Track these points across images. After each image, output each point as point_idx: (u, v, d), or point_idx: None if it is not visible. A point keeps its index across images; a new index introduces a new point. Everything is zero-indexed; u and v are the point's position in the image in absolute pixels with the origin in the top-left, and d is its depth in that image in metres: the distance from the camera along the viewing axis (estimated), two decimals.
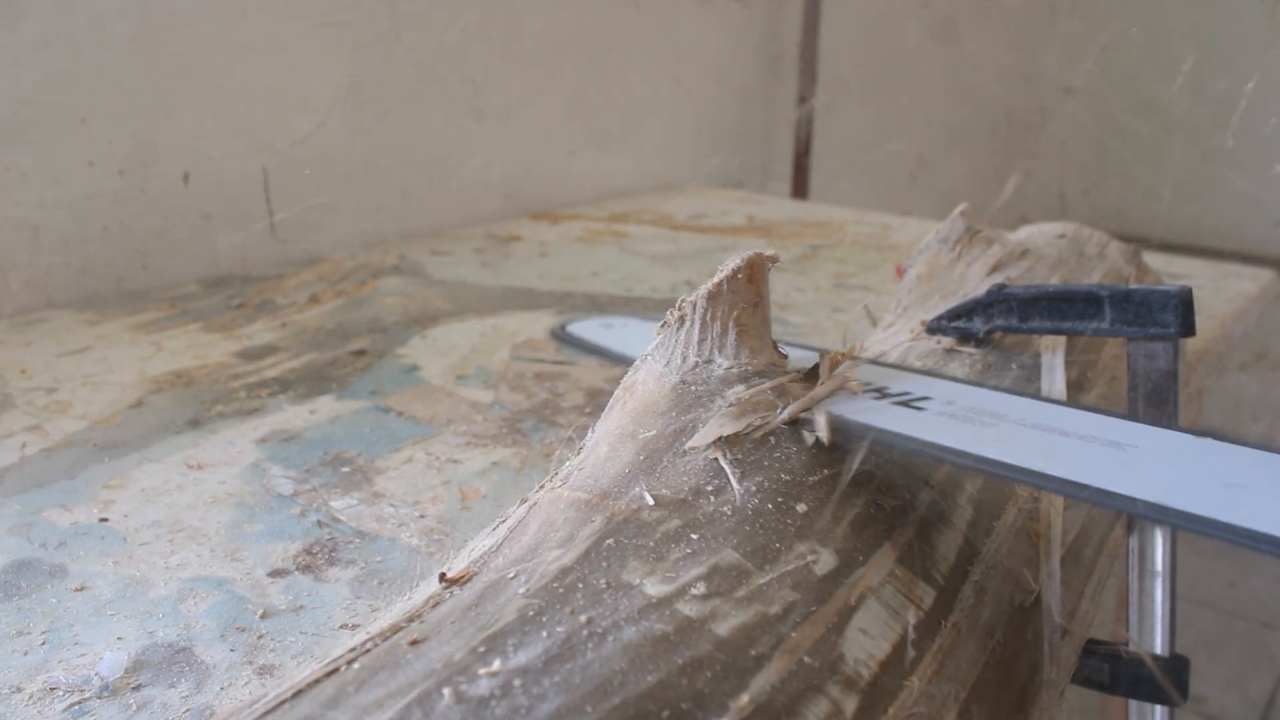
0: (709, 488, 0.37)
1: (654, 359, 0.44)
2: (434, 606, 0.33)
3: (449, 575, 0.34)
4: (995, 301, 0.55)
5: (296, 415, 0.72)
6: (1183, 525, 0.34)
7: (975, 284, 0.65)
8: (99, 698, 0.42)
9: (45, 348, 0.86)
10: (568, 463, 0.41)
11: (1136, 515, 0.40)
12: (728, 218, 1.48)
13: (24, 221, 0.97)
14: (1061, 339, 0.57)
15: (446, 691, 0.27)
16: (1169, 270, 1.12)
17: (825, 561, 0.35)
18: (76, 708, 0.42)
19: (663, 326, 0.45)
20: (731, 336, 0.44)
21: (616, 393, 0.44)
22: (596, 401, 0.75)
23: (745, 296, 0.44)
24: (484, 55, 1.37)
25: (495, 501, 0.60)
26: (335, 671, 0.29)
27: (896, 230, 1.41)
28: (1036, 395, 0.50)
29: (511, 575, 0.33)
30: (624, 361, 0.62)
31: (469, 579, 0.34)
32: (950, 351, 0.57)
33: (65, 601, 0.49)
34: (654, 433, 0.40)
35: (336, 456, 0.66)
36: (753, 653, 0.30)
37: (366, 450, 0.67)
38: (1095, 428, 0.41)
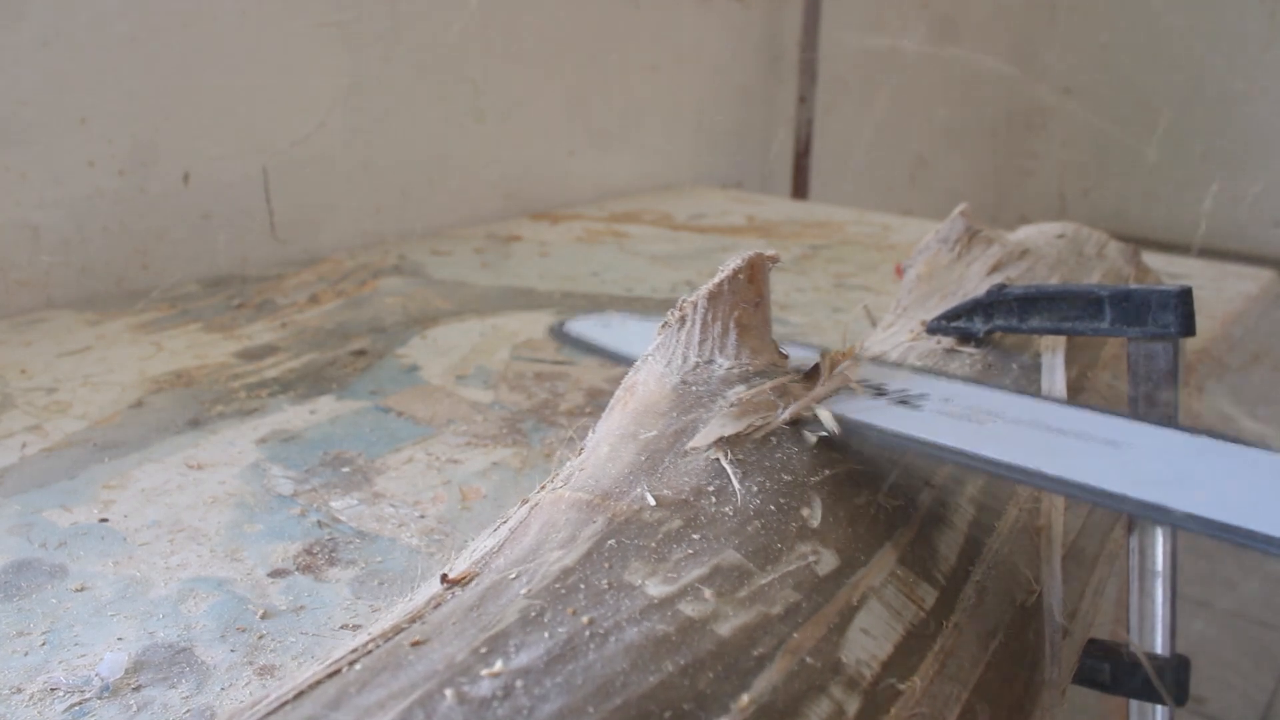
0: (710, 488, 0.37)
1: (655, 359, 0.44)
2: (435, 607, 0.33)
3: (450, 576, 0.34)
4: (995, 301, 0.55)
5: (296, 415, 0.72)
6: (1175, 524, 0.34)
7: (975, 284, 0.65)
8: (99, 698, 0.42)
9: (45, 348, 0.86)
10: (569, 463, 0.41)
11: (1129, 514, 0.40)
12: (728, 218, 1.48)
13: (24, 221, 0.97)
14: (1061, 339, 0.57)
15: (448, 692, 0.27)
16: (1169, 270, 1.12)
17: (827, 562, 0.35)
18: (77, 708, 0.42)
19: (663, 327, 0.45)
20: (732, 337, 0.44)
21: (617, 393, 0.44)
22: (597, 402, 0.75)
23: (746, 296, 0.44)
24: (484, 55, 1.37)
25: (495, 502, 0.60)
26: (337, 672, 0.29)
27: (896, 230, 1.41)
28: (1035, 394, 0.50)
29: (513, 576, 0.33)
30: (622, 360, 0.62)
31: (470, 580, 0.34)
32: (950, 351, 0.57)
33: (65, 602, 0.49)
34: (655, 433, 0.40)
35: (336, 456, 0.66)
36: (755, 653, 0.30)
37: (366, 450, 0.67)
38: (1092, 426, 0.41)
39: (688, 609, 0.31)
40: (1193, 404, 0.98)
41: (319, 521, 0.57)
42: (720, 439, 0.39)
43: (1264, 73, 2.29)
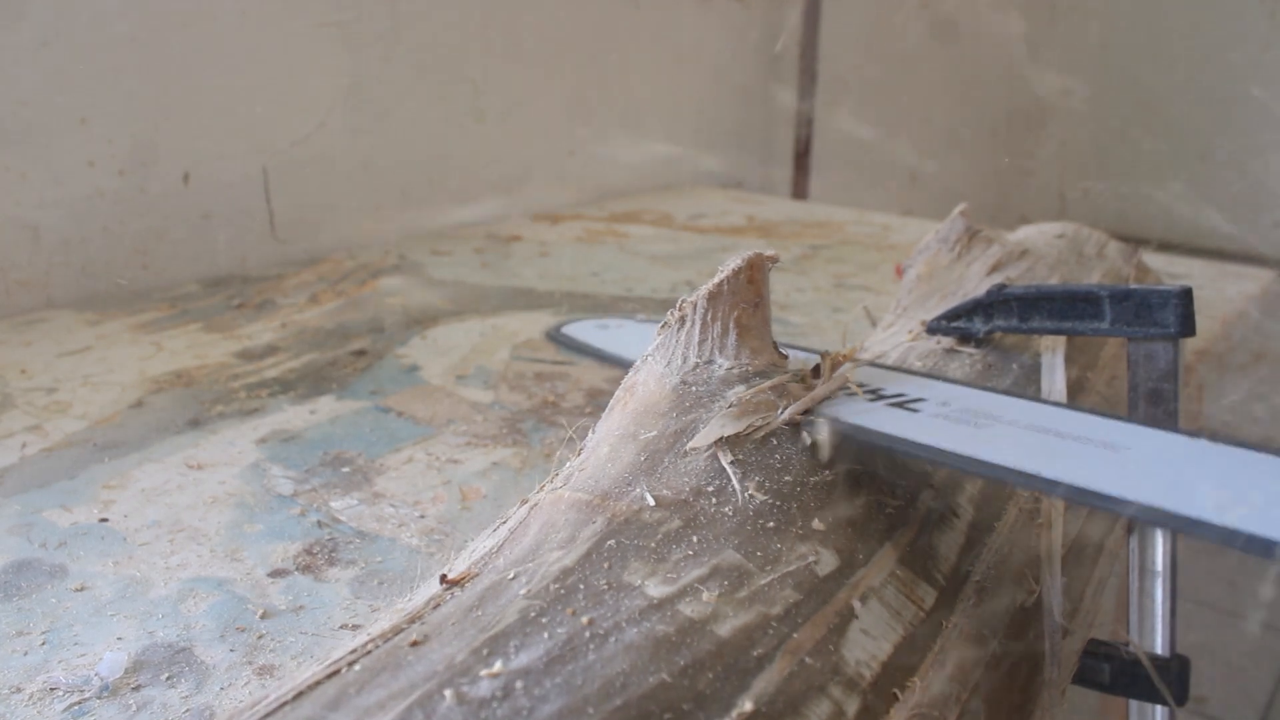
0: (710, 488, 0.37)
1: (655, 359, 0.44)
2: (435, 608, 0.33)
3: (450, 576, 0.34)
4: (995, 301, 0.55)
5: (296, 415, 0.72)
6: (1172, 527, 0.34)
7: (975, 284, 0.65)
8: (99, 698, 0.42)
9: (45, 348, 0.86)
10: (568, 463, 0.41)
11: (1126, 516, 0.40)
12: (728, 218, 1.48)
13: (24, 221, 0.97)
14: (1061, 339, 0.57)
15: (448, 693, 0.27)
16: (1169, 270, 1.12)
17: (827, 562, 0.35)
18: (76, 708, 0.42)
19: (663, 327, 0.45)
20: (732, 337, 0.44)
21: (617, 393, 0.44)
22: (597, 402, 0.75)
23: (746, 297, 0.44)
24: (484, 55, 1.37)
25: (495, 502, 0.60)
26: (336, 673, 0.29)
27: (896, 230, 1.41)
28: (1032, 397, 0.50)
29: (512, 576, 0.33)
30: (619, 363, 0.62)
31: (470, 580, 0.34)
32: (950, 352, 0.57)
33: (65, 601, 0.49)
34: (655, 433, 0.40)
35: (336, 456, 0.66)
36: (754, 653, 0.30)
37: (366, 450, 0.67)
38: (1090, 429, 0.41)
39: (687, 609, 0.31)
40: (1193, 404, 0.98)
41: (319, 521, 0.57)
42: (720, 439, 0.39)
43: (1264, 73, 2.29)
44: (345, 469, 0.64)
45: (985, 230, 0.70)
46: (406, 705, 0.27)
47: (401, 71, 1.27)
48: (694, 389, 0.42)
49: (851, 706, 0.31)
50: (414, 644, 0.30)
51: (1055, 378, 0.55)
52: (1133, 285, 0.49)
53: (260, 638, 0.47)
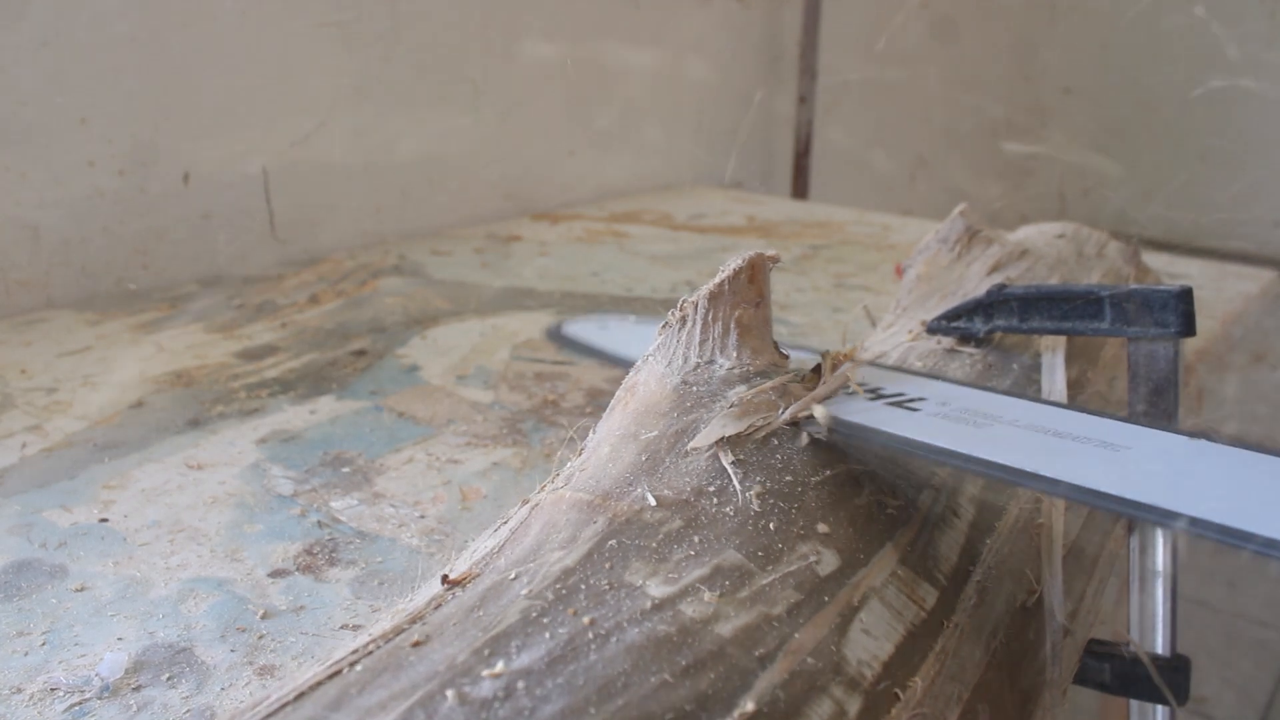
0: (711, 488, 0.37)
1: (655, 359, 0.44)
2: (436, 608, 0.33)
3: (451, 577, 0.34)
4: (995, 301, 0.55)
5: (296, 415, 0.72)
6: (1174, 528, 0.34)
7: (975, 284, 0.65)
8: (99, 698, 0.42)
9: (45, 348, 0.86)
10: (569, 463, 0.41)
11: (1125, 516, 0.40)
12: (728, 218, 1.48)
13: (24, 221, 0.97)
14: (1061, 339, 0.57)
15: (450, 693, 0.27)
16: (1169, 270, 1.12)
17: (828, 562, 0.35)
18: (77, 708, 0.42)
19: (664, 327, 0.45)
20: (733, 337, 0.44)
21: (618, 393, 0.44)
22: (597, 402, 0.75)
23: (746, 297, 0.44)
24: (484, 55, 1.37)
25: (496, 502, 0.60)
26: (338, 673, 0.29)
27: (896, 230, 1.41)
28: (1032, 397, 0.50)
29: (514, 576, 0.33)
30: (620, 363, 0.62)
31: (471, 580, 0.34)
32: (950, 352, 0.57)
33: (65, 602, 0.49)
34: (656, 433, 0.40)
35: (336, 457, 0.66)
36: (756, 654, 0.30)
37: (366, 450, 0.67)
38: (1090, 429, 0.41)
39: (689, 609, 0.31)
40: (1193, 404, 0.98)
41: (319, 522, 0.57)
42: (721, 439, 0.39)
43: (1264, 73, 2.29)
44: (345, 469, 0.64)
45: (985, 230, 0.70)
46: (408, 705, 0.27)
47: (401, 71, 1.27)
48: (695, 389, 0.42)
49: (853, 706, 0.31)
50: (415, 644, 0.30)
51: (1055, 378, 0.55)
52: (1133, 285, 0.49)
53: (261, 638, 0.47)
